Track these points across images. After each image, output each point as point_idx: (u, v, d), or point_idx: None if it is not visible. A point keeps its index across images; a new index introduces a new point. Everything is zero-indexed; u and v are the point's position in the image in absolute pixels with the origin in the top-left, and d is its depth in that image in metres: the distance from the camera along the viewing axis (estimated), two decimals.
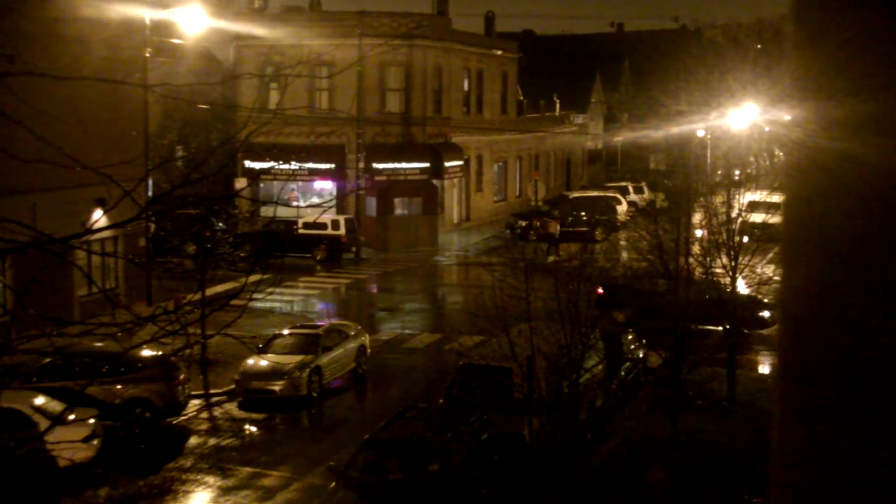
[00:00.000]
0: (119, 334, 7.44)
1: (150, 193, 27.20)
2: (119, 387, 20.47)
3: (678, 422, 18.74)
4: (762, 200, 25.11)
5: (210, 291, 24.22)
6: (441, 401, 19.36)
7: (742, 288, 23.33)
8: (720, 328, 22.96)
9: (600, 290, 26.71)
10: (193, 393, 22.56)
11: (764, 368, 25.25)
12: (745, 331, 25.39)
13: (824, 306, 1.80)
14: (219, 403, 23.06)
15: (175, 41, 36.15)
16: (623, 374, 21.76)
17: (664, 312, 19.71)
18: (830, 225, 1.77)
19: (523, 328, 17.25)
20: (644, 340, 22.90)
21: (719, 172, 31.37)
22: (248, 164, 42.82)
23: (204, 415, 22.38)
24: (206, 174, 9.38)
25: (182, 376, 21.46)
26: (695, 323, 20.76)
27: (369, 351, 25.81)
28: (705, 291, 21.56)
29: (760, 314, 26.00)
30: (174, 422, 21.49)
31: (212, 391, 23.26)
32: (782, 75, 1.94)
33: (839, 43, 1.76)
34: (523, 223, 47.94)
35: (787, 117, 1.86)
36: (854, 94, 1.74)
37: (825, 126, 1.79)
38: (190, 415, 22.11)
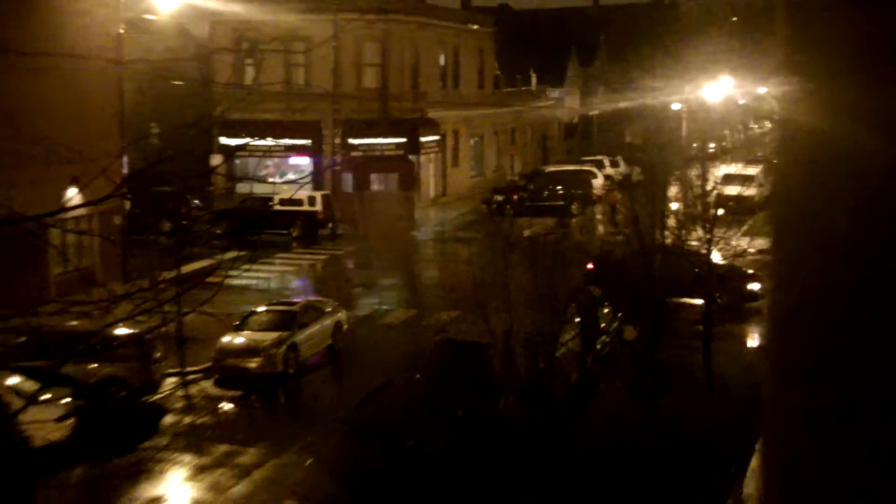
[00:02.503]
0: (94, 312, 7.37)
1: (125, 171, 26.94)
2: (94, 365, 20.33)
3: (657, 402, 18.78)
4: (737, 173, 25.27)
5: (186, 269, 24.05)
6: (418, 376, 19.37)
7: (722, 260, 23.41)
8: (702, 301, 22.97)
9: (590, 266, 26.61)
10: (169, 371, 22.44)
11: (742, 342, 25.39)
12: (719, 301, 25.39)
13: (819, 303, 1.74)
14: (195, 381, 22.95)
15: (149, 17, 35.74)
16: (599, 347, 21.80)
17: (643, 285, 19.73)
18: (824, 219, 1.71)
19: (499, 303, 17.23)
20: (620, 314, 22.95)
21: (694, 145, 31.47)
22: (223, 140, 42.49)
23: (180, 393, 22.25)
24: (181, 151, 9.29)
25: (158, 354, 21.33)
26: (674, 296, 20.79)
27: (346, 327, 25.78)
28: (686, 263, 21.54)
29: (749, 286, 25.99)
30: (150, 400, 21.40)
31: (188, 369, 23.12)
32: (757, 48, 1.87)
33: (835, 18, 1.66)
34: (500, 198, 47.91)
35: (763, 90, 1.82)
36: (850, 75, 1.64)
37: (816, 110, 1.71)
38: (165, 393, 22.00)
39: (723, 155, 26.28)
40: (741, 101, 43.15)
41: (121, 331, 19.95)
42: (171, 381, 22.48)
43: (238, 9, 43.24)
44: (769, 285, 1.92)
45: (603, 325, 22.62)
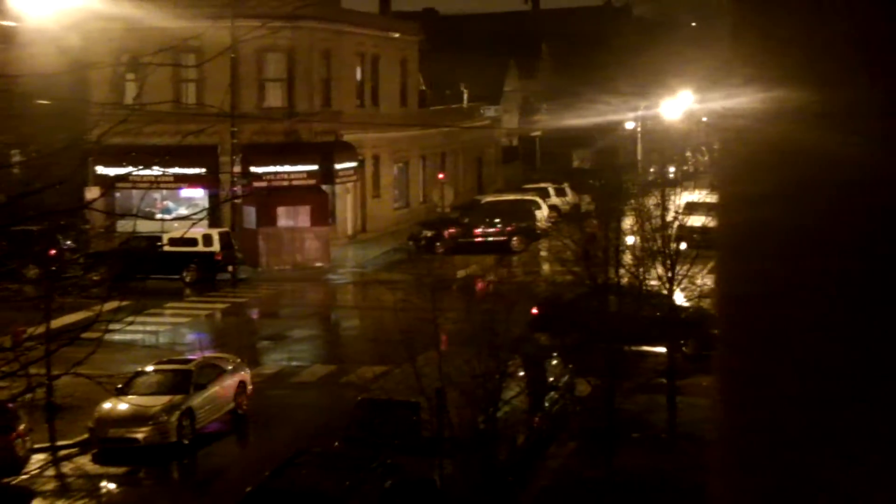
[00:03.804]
0: None
1: None
2: None
3: (613, 459, 18.97)
4: (701, 201, 25.65)
5: (57, 323, 23.68)
6: (337, 443, 19.32)
7: (686, 301, 23.75)
8: (665, 349, 23.26)
9: (536, 310, 26.67)
10: (37, 446, 22.03)
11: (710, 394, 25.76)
12: (684, 349, 25.76)
13: (770, 316, 1.82)
14: (69, 457, 22.59)
15: (8, 23, 35.33)
16: (548, 405, 21.93)
17: (597, 332, 19.92)
18: (776, 227, 1.79)
19: (431, 356, 17.29)
20: (571, 366, 23.14)
21: (652, 170, 32.00)
22: (101, 169, 42.00)
23: (50, 472, 21.84)
24: (50, 183, 9.19)
25: (22, 426, 20.93)
26: (633, 344, 21.00)
27: (251, 387, 25.63)
28: (645, 305, 21.83)
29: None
30: (13, 482, 20.93)
31: (60, 443, 22.75)
32: (722, 59, 1.96)
33: (787, 22, 1.77)
34: (429, 233, 48.13)
35: (726, 105, 1.88)
36: (803, 82, 1.76)
37: (770, 117, 1.81)
38: (32, 472, 21.56)
39: (685, 181, 26.90)
40: (704, 119, 44.10)
41: None
42: (39, 459, 22.06)
43: (118, 13, 42.95)
44: (717, 297, 2.00)
45: (551, 378, 22.78)
